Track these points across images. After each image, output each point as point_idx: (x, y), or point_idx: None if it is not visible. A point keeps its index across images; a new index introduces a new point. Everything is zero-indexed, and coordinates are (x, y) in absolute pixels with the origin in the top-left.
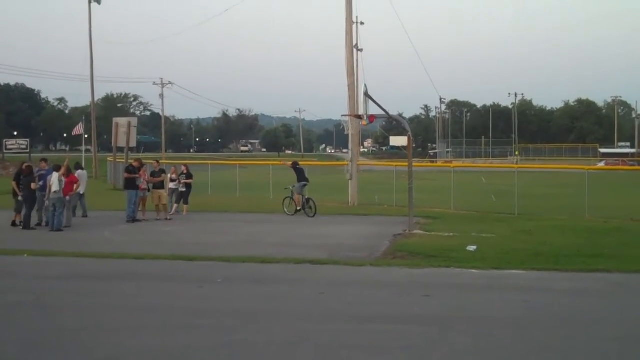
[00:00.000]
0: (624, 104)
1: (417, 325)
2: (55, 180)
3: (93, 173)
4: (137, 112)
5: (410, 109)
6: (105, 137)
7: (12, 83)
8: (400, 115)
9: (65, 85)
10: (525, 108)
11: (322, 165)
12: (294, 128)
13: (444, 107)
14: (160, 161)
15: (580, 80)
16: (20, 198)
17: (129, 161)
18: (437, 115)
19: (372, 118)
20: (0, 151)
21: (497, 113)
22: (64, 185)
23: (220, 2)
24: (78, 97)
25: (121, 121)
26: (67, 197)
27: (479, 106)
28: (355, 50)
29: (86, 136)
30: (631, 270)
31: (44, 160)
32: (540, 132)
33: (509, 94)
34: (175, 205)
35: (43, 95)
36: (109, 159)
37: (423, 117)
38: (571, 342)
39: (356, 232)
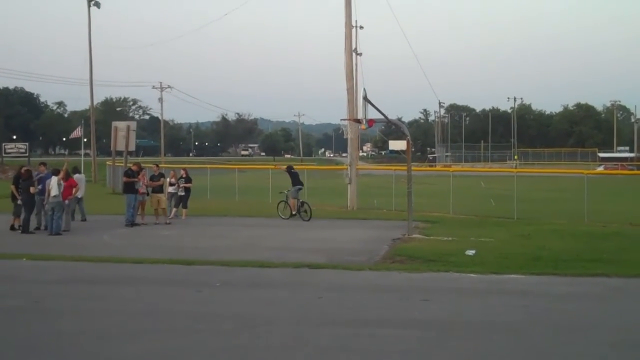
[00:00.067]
0: (623, 108)
1: (416, 329)
2: (54, 185)
3: (92, 177)
4: (136, 116)
5: (409, 113)
6: (104, 141)
7: (11, 87)
8: (399, 119)
9: (64, 89)
10: (524, 112)
11: (321, 169)
12: (293, 132)
13: (443, 111)
14: (160, 165)
15: (579, 84)
16: (19, 202)
17: (128, 165)
18: (436, 120)
19: (371, 122)
20: None
21: (496, 117)
22: (63, 189)
23: (220, 7)
24: (77, 101)
25: (120, 125)
26: (66, 201)
27: (478, 110)
28: (354, 54)
29: (85, 140)
30: (630, 275)
31: (43, 164)
32: (539, 137)
33: (508, 98)
34: (174, 209)
35: (42, 99)
36: (107, 162)
37: (422, 121)
38: (570, 346)
39: (355, 236)
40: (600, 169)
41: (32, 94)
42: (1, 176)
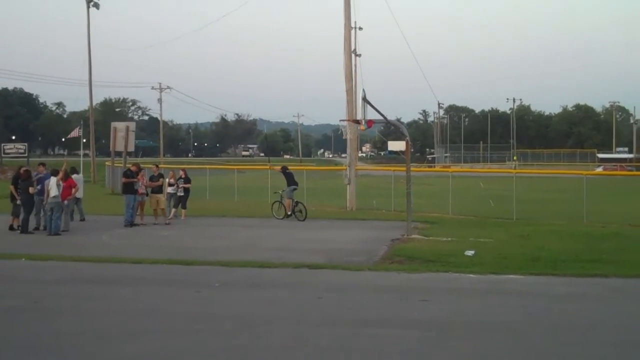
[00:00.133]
0: (622, 110)
1: (415, 329)
2: (53, 185)
3: (91, 177)
4: (135, 117)
5: (408, 114)
6: (103, 141)
7: (11, 87)
8: (399, 120)
9: (63, 89)
10: (523, 113)
11: (321, 170)
12: (292, 133)
13: (442, 112)
14: (159, 166)
15: (579, 85)
16: (18, 202)
17: (127, 165)
18: (435, 120)
19: (370, 123)
20: None
21: (495, 118)
22: (62, 190)
23: (219, 8)
24: (76, 102)
25: (119, 126)
26: (65, 202)
27: (477, 111)
28: (353, 55)
29: (84, 140)
30: (629, 275)
31: (42, 164)
32: (539, 137)
33: (507, 99)
34: (173, 210)
35: (41, 100)
36: (107, 163)
37: (421, 122)
38: (569, 347)
39: (354, 236)
40: (599, 169)
41: (31, 95)
42: (0, 177)
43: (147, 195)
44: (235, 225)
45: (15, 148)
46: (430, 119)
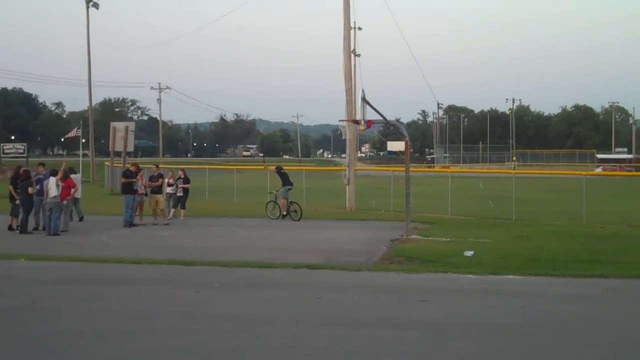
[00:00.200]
0: (621, 110)
1: (414, 330)
2: (52, 185)
3: (90, 178)
4: (135, 117)
5: (407, 114)
6: (102, 141)
7: (10, 87)
8: (398, 120)
9: (62, 89)
10: (522, 113)
11: (320, 170)
12: (291, 133)
13: (441, 112)
14: (159, 166)
15: (578, 86)
16: (17, 202)
17: (126, 166)
18: (435, 121)
19: (369, 123)
20: None
21: (495, 118)
22: (61, 190)
23: (218, 8)
24: (76, 102)
25: (119, 126)
26: (64, 202)
27: (476, 111)
28: (353, 55)
29: (83, 140)
30: (628, 276)
31: (42, 164)
32: (538, 138)
33: (507, 99)
34: (172, 210)
35: (41, 100)
36: (106, 163)
37: (420, 122)
38: (569, 347)
39: (353, 237)
40: (599, 170)
41: (30, 95)
42: (0, 177)
43: (146, 195)
44: (235, 225)
45: (14, 148)
46: (430, 119)
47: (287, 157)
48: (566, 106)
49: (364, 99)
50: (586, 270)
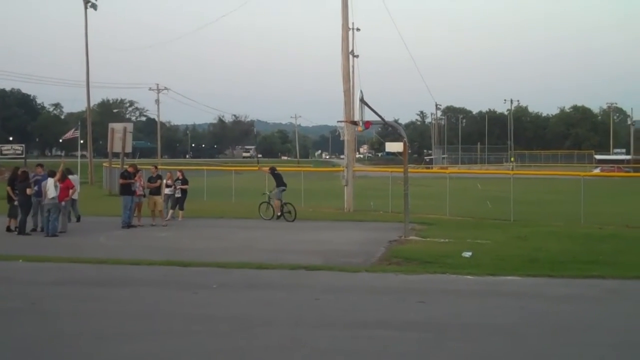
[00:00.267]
0: (620, 111)
1: (413, 331)
2: (51, 186)
3: (88, 179)
4: (133, 118)
5: (405, 115)
6: (100, 142)
7: (8, 88)
8: (396, 121)
9: (61, 90)
10: (520, 114)
11: (318, 171)
12: (289, 134)
13: (439, 113)
14: (158, 167)
15: (576, 87)
16: (15, 203)
17: (125, 167)
18: (433, 121)
19: (367, 124)
20: None
21: (493, 119)
22: (59, 191)
23: (217, 9)
24: (74, 103)
25: (117, 127)
26: (63, 203)
27: (474, 112)
28: (351, 56)
29: (82, 141)
30: (626, 277)
31: (40, 165)
32: (536, 139)
33: (505, 100)
34: (170, 211)
35: (39, 101)
36: (104, 164)
37: (419, 123)
38: (567, 348)
39: (352, 238)
40: (597, 171)
41: (28, 96)
42: None
43: (144, 196)
44: (233, 226)
45: (12, 149)
46: (428, 120)
47: (285, 158)
48: (564, 107)
49: (362, 100)
50: (584, 271)
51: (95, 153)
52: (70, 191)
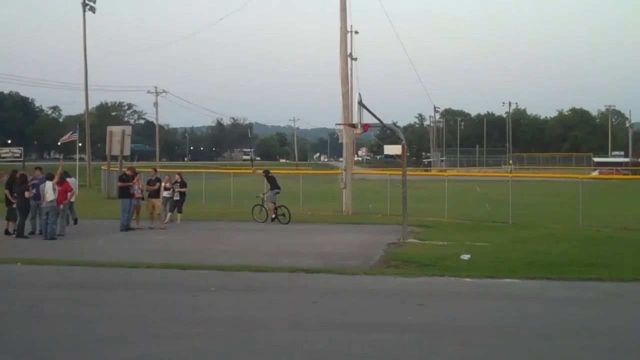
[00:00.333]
0: (618, 113)
1: (411, 334)
2: (49, 189)
3: (87, 182)
4: (131, 121)
5: (404, 118)
6: (99, 145)
7: (6, 91)
8: (394, 124)
9: (59, 93)
10: (519, 117)
11: (317, 174)
12: (288, 137)
13: (438, 116)
14: (157, 170)
15: (574, 89)
16: (14, 206)
17: (123, 170)
18: (431, 124)
19: (366, 127)
20: None
21: (491, 122)
22: (58, 194)
23: (215, 12)
24: (72, 106)
25: (115, 129)
26: (61, 206)
27: (473, 115)
28: (349, 59)
29: (80, 144)
30: (624, 279)
31: (39, 168)
32: (534, 141)
33: (503, 103)
34: (169, 214)
35: (37, 104)
36: (102, 167)
37: (417, 125)
38: (564, 351)
39: (350, 240)
40: (595, 173)
41: (27, 99)
42: None
43: (143, 199)
44: (231, 229)
45: (11, 152)
46: (426, 122)
47: (284, 160)
48: (563, 109)
49: (360, 103)
50: (583, 273)
51: (94, 156)
52: (69, 194)
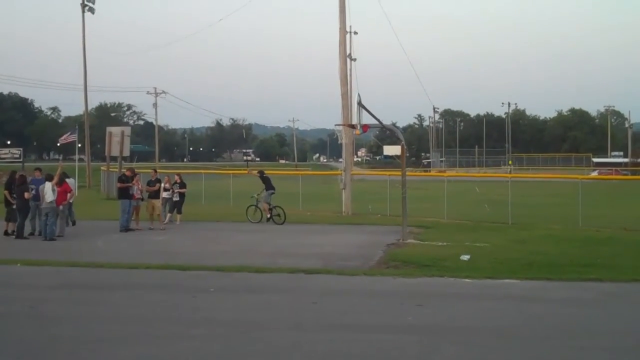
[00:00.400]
0: (617, 114)
1: (411, 334)
2: (48, 190)
3: (86, 182)
4: (131, 122)
5: (403, 119)
6: (98, 146)
7: (5, 92)
8: (394, 124)
9: (58, 94)
10: (518, 117)
11: (316, 175)
12: (287, 137)
13: (437, 116)
14: (157, 170)
15: (574, 89)
16: (14, 207)
17: (122, 170)
18: (431, 125)
19: (365, 127)
20: None
21: (491, 122)
22: (57, 195)
23: (215, 12)
24: (71, 106)
25: (114, 130)
26: (60, 207)
27: (472, 115)
28: (348, 59)
29: (79, 145)
30: (623, 280)
31: (38, 169)
32: (534, 142)
33: (502, 103)
34: (168, 215)
35: (36, 104)
36: (102, 168)
37: (416, 126)
38: (564, 351)
39: (350, 241)
40: (595, 174)
41: (26, 99)
42: None
43: (142, 200)
44: (231, 230)
45: (10, 153)
46: (426, 123)
47: (283, 161)
48: (562, 110)
49: (359, 103)
50: (582, 274)
51: (93, 157)
52: (68, 195)
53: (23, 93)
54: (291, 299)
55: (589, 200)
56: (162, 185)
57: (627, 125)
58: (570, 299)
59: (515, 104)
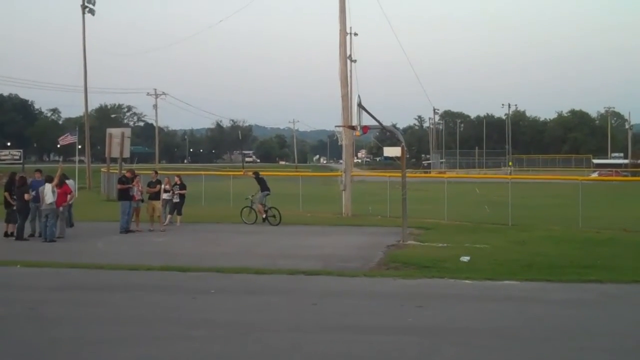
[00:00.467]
0: (617, 115)
1: (411, 336)
2: (48, 192)
3: (86, 184)
4: (131, 123)
5: (403, 120)
6: (98, 147)
7: (6, 93)
8: (394, 125)
9: (58, 95)
10: (518, 119)
11: (316, 176)
12: (287, 139)
13: (437, 117)
14: (158, 172)
15: (574, 91)
16: (14, 208)
17: (122, 172)
18: (431, 126)
19: (365, 129)
20: None
21: (491, 124)
22: (57, 196)
23: (215, 14)
24: (71, 108)
25: (115, 132)
26: (60, 208)
27: (472, 117)
28: (349, 61)
29: (80, 147)
30: (624, 281)
31: (39, 170)
32: (534, 143)
33: (503, 104)
34: (168, 216)
35: (36, 106)
36: (102, 169)
37: (417, 127)
38: (564, 352)
39: (350, 242)
40: (595, 175)
41: (26, 101)
42: None
43: (142, 201)
44: (231, 231)
45: (10, 154)
46: (426, 124)
47: (283, 162)
48: (562, 111)
49: (359, 105)
50: (582, 275)
51: (93, 158)
52: (68, 196)
53: (23, 94)
54: (291, 300)
55: (589, 202)
56: (163, 186)
57: (627, 126)
58: (570, 300)
59: (516, 105)
